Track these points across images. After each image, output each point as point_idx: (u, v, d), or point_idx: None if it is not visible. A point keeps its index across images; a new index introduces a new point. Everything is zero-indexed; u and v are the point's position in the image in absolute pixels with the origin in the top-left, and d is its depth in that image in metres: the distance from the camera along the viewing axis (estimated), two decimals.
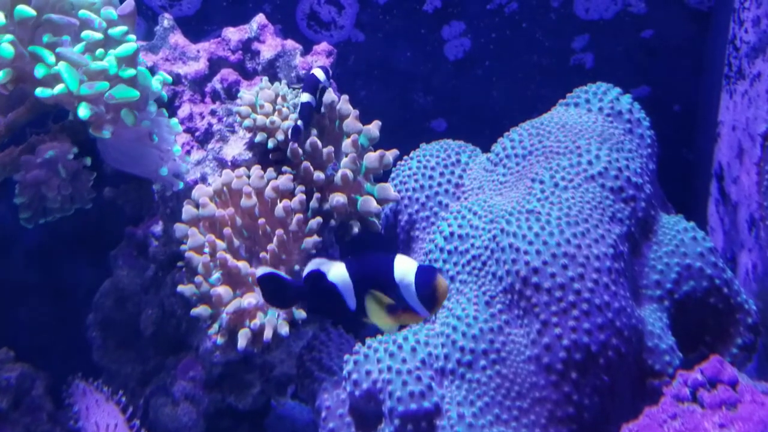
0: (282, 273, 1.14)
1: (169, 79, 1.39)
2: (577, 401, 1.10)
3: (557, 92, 1.50)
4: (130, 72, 1.22)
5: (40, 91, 1.17)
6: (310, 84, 1.41)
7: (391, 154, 1.42)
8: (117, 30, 1.23)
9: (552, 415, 1.10)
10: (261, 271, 1.11)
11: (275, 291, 1.11)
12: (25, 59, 1.17)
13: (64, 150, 1.26)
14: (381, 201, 1.40)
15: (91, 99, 1.18)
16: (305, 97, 1.39)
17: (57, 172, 1.26)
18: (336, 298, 1.07)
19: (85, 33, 1.21)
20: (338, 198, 1.36)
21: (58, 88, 1.16)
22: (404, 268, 1.03)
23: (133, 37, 1.25)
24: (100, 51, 1.22)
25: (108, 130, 1.22)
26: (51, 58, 1.17)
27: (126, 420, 1.28)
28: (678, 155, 1.98)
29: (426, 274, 1.01)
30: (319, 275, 1.07)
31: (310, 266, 1.08)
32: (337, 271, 1.07)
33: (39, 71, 1.16)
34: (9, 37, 1.15)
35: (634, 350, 1.14)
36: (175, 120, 1.38)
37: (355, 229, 1.39)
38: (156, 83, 1.31)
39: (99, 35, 1.22)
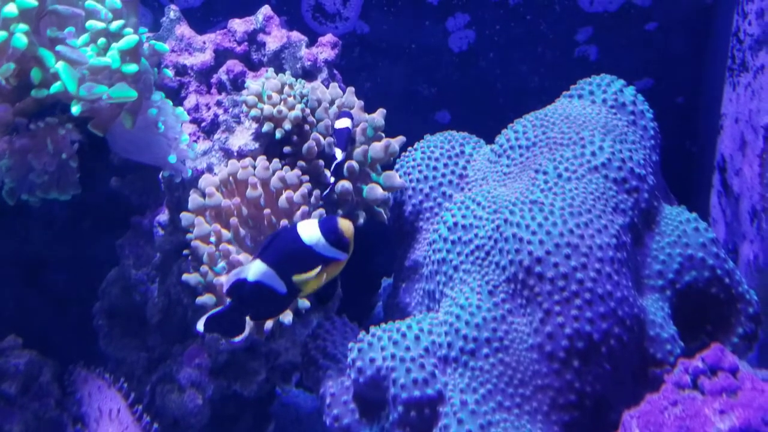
0: (214, 310, 1.17)
1: (166, 48, 1.40)
2: (579, 389, 1.11)
3: (561, 84, 1.50)
4: (133, 68, 1.22)
5: (35, 92, 1.18)
6: (345, 138, 1.37)
7: (397, 142, 1.43)
8: (115, 24, 1.24)
9: (554, 402, 1.11)
10: (200, 324, 1.15)
11: (224, 325, 1.17)
12: (30, 54, 1.17)
13: (57, 123, 1.26)
14: (387, 189, 1.41)
15: (89, 99, 1.19)
16: (339, 153, 1.37)
17: (47, 144, 1.26)
18: (266, 293, 1.13)
19: (89, 23, 1.22)
20: (344, 183, 1.37)
21: (55, 86, 1.17)
22: (308, 229, 1.13)
23: (130, 30, 1.25)
24: (102, 41, 1.23)
25: (107, 128, 1.22)
26: (52, 60, 1.17)
27: (128, 405, 1.29)
28: (681, 147, 1.99)
29: (329, 224, 1.13)
30: (239, 283, 1.13)
31: (229, 279, 1.13)
32: (255, 269, 1.13)
33: (35, 76, 1.17)
34: (24, 27, 1.15)
35: (636, 339, 1.15)
36: (181, 108, 1.39)
37: (361, 219, 1.40)
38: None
39: (103, 25, 1.22)
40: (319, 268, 1.13)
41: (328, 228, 1.13)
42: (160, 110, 1.31)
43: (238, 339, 1.18)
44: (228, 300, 1.17)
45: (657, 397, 0.99)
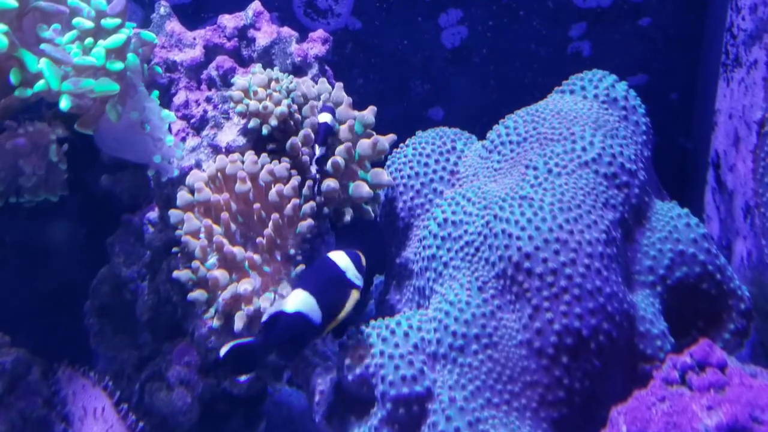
0: (242, 340, 1.15)
1: (153, 37, 1.39)
2: (567, 385, 1.10)
3: (554, 80, 1.49)
4: (118, 66, 1.21)
5: (19, 92, 1.17)
6: (322, 133, 1.38)
7: (386, 140, 1.42)
8: (110, 22, 1.23)
9: (543, 398, 1.10)
10: (224, 349, 1.13)
11: (242, 359, 1.15)
12: (10, 53, 1.16)
13: (47, 126, 1.26)
14: (374, 186, 1.40)
15: (75, 93, 1.18)
16: (317, 149, 1.38)
17: (37, 147, 1.26)
18: (302, 324, 1.14)
19: (76, 20, 1.21)
20: (329, 183, 1.36)
21: (38, 85, 1.16)
22: (340, 258, 1.19)
23: (125, 30, 1.24)
24: (89, 41, 1.22)
25: (93, 126, 1.22)
26: (34, 64, 1.16)
27: (113, 404, 1.29)
28: (675, 144, 1.98)
29: (355, 253, 1.21)
30: (276, 316, 1.13)
31: (268, 312, 1.14)
32: (295, 299, 1.14)
33: (14, 78, 1.16)
34: (3, 28, 1.14)
35: (625, 335, 1.14)
36: (167, 111, 1.38)
37: (347, 217, 1.39)
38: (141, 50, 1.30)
39: (90, 24, 1.21)
40: (356, 296, 1.19)
41: (355, 256, 1.20)
42: (145, 109, 1.31)
43: (243, 378, 1.18)
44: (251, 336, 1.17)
45: (645, 393, 0.98)
